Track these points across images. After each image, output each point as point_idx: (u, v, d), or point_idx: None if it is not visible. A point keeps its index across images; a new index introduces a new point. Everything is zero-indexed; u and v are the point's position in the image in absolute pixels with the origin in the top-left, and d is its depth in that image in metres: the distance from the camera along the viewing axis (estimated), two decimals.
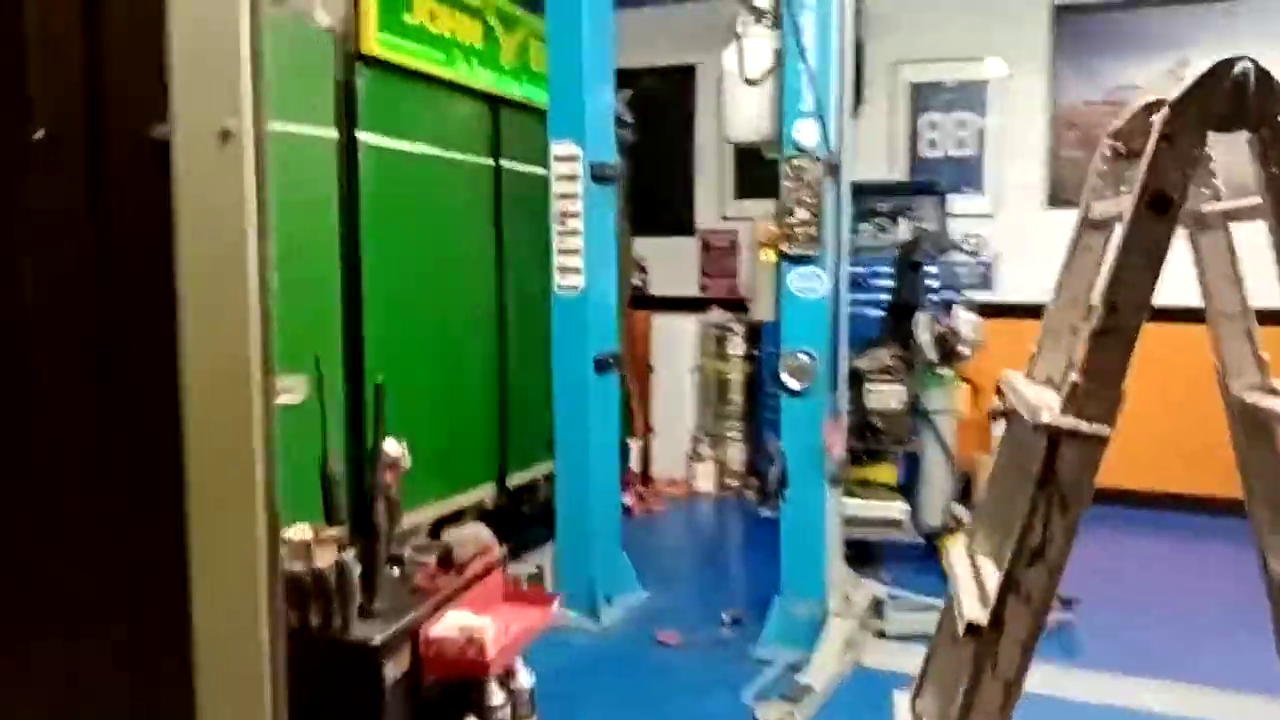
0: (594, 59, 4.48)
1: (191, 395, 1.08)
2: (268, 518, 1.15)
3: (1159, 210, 1.52)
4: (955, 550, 2.15)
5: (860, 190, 6.98)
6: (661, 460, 7.33)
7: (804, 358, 4.13)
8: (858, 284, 6.22)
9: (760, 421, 6.90)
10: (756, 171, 7.60)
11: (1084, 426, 1.50)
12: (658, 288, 7.95)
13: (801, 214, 4.07)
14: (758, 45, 4.20)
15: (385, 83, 4.23)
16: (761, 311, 4.51)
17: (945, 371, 5.34)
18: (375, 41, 4.09)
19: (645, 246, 7.84)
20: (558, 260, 4.53)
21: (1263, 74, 1.58)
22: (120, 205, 1.10)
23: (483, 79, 4.88)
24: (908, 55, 7.15)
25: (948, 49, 7.04)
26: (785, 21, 4.07)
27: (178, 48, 1.10)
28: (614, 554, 4.72)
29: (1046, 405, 1.60)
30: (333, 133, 4.00)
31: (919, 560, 5.22)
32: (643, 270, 7.91)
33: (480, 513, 5.13)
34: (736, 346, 7.31)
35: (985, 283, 6.84)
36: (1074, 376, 1.54)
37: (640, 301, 7.60)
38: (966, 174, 6.99)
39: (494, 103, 5.04)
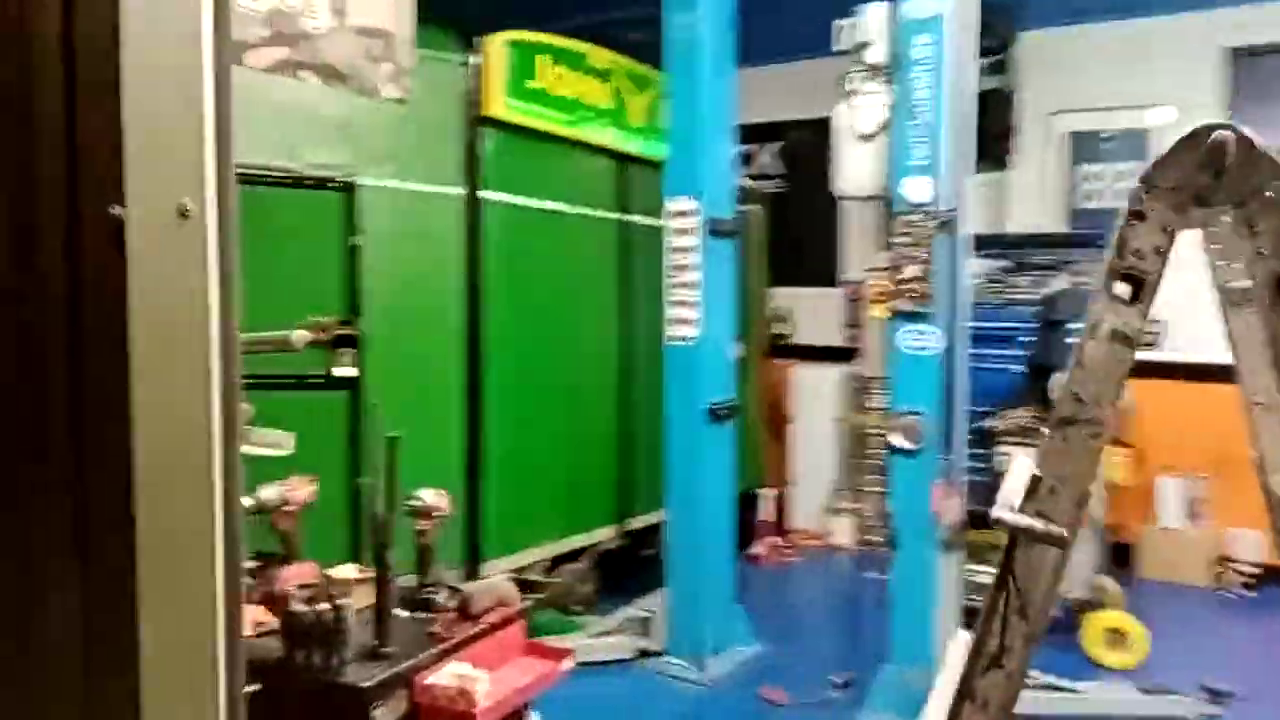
0: (712, 116, 4.58)
1: (146, 471, 1.08)
2: (226, 608, 1.15)
3: (1128, 296, 1.45)
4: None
5: (1013, 242, 6.81)
6: (800, 511, 7.24)
7: (913, 417, 4.02)
8: (1002, 339, 6.01)
9: None
10: None
11: (1038, 526, 1.42)
12: (802, 338, 7.90)
13: (912, 270, 4.00)
14: (870, 101, 4.18)
15: (509, 143, 4.49)
16: (871, 367, 4.44)
17: None
18: (500, 105, 4.36)
19: (790, 297, 7.83)
20: (671, 311, 4.62)
21: (1244, 141, 1.47)
22: (88, 289, 1.11)
23: (609, 138, 5.07)
24: (1065, 104, 6.87)
25: (1109, 96, 6.71)
26: (897, 77, 4.04)
27: (132, 125, 1.07)
28: (725, 605, 4.70)
29: (1009, 498, 1.54)
30: (458, 190, 4.27)
31: (1058, 635, 4.90)
32: (784, 320, 7.90)
33: (599, 554, 5.25)
34: (879, 399, 7.15)
35: (1153, 341, 6.40)
36: (1035, 470, 1.47)
37: (782, 351, 7.58)
38: None
39: (621, 159, 5.22)
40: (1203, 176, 1.51)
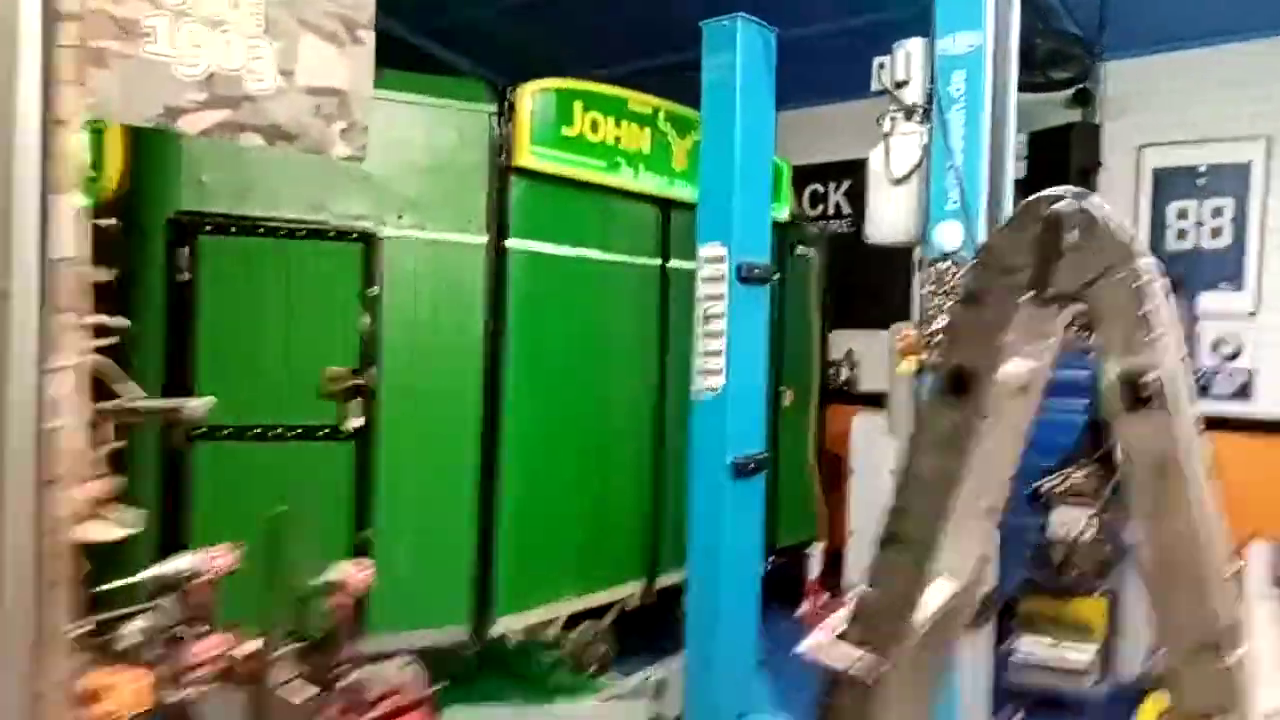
0: (745, 159, 4.43)
1: None
2: None
3: (957, 390, 1.25)
4: None
5: None
6: (857, 569, 6.91)
7: None
8: (1075, 388, 5.63)
9: None
10: None
11: (841, 665, 1.22)
12: (868, 383, 7.61)
13: (940, 323, 3.75)
14: (906, 142, 3.96)
15: (538, 191, 4.44)
16: (895, 426, 4.18)
17: None
18: (528, 154, 4.31)
19: (857, 340, 7.56)
20: (699, 361, 4.47)
21: (1086, 214, 1.25)
22: None
23: (651, 183, 4.97)
24: (1155, 136, 6.44)
25: (1201, 129, 6.26)
26: (934, 116, 3.82)
27: None
28: (746, 671, 4.48)
29: (834, 623, 1.34)
30: (481, 239, 4.24)
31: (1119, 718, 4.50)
32: (847, 364, 7.63)
33: (624, 610, 5.10)
34: None
35: (1242, 393, 5.91)
36: (861, 587, 1.28)
37: (845, 397, 7.31)
38: (1221, 268, 6.12)
39: (664, 205, 5.11)
40: (1040, 256, 1.33)
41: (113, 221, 3.84)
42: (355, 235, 3.93)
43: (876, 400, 7.41)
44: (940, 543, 1.40)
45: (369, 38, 2.38)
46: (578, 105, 4.55)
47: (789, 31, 5.93)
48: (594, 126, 4.64)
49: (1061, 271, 1.38)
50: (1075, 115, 6.60)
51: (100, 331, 2.20)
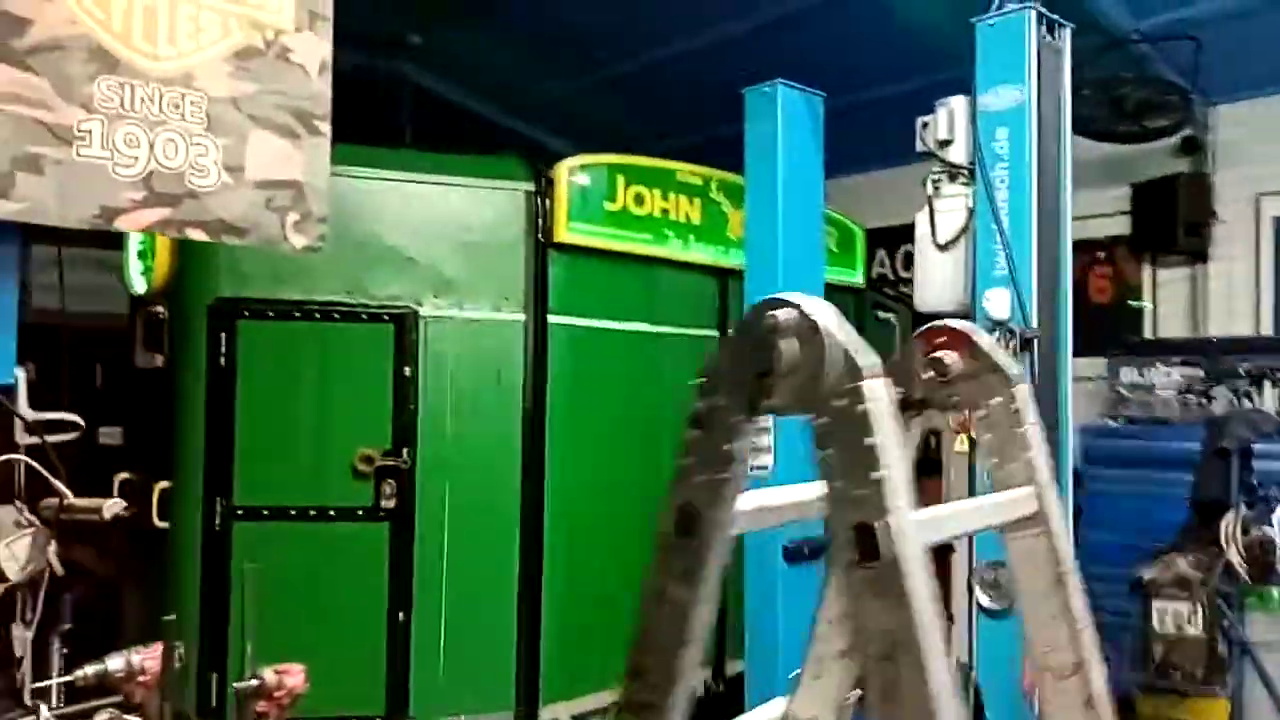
0: (793, 226, 4.27)
1: None
2: None
3: (684, 530, 1.08)
4: None
5: (1208, 347, 5.85)
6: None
7: (1000, 570, 3.43)
8: (1177, 462, 5.13)
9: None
10: (1087, 325, 6.73)
11: None
12: None
13: None
14: (952, 205, 3.73)
15: (580, 266, 4.39)
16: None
17: (1276, 592, 4.12)
18: (566, 230, 4.29)
19: None
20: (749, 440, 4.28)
21: (808, 324, 1.12)
22: None
23: (704, 254, 4.86)
24: (1271, 186, 5.89)
25: None
26: (978, 178, 3.59)
27: None
28: None
29: None
30: (520, 316, 4.22)
31: None
32: (935, 435, 7.20)
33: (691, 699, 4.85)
34: None
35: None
36: None
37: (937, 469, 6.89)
38: None
39: (720, 275, 4.99)
40: (756, 370, 1.18)
41: (160, 309, 4.02)
42: (387, 316, 3.97)
43: None
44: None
45: (326, 129, 2.39)
46: (620, 179, 4.51)
47: (868, 93, 5.82)
48: (639, 200, 4.58)
49: (779, 388, 1.21)
50: (1184, 165, 6.13)
51: (55, 427, 2.23)
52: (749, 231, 4.37)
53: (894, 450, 1.18)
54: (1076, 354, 6.74)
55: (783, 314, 1.19)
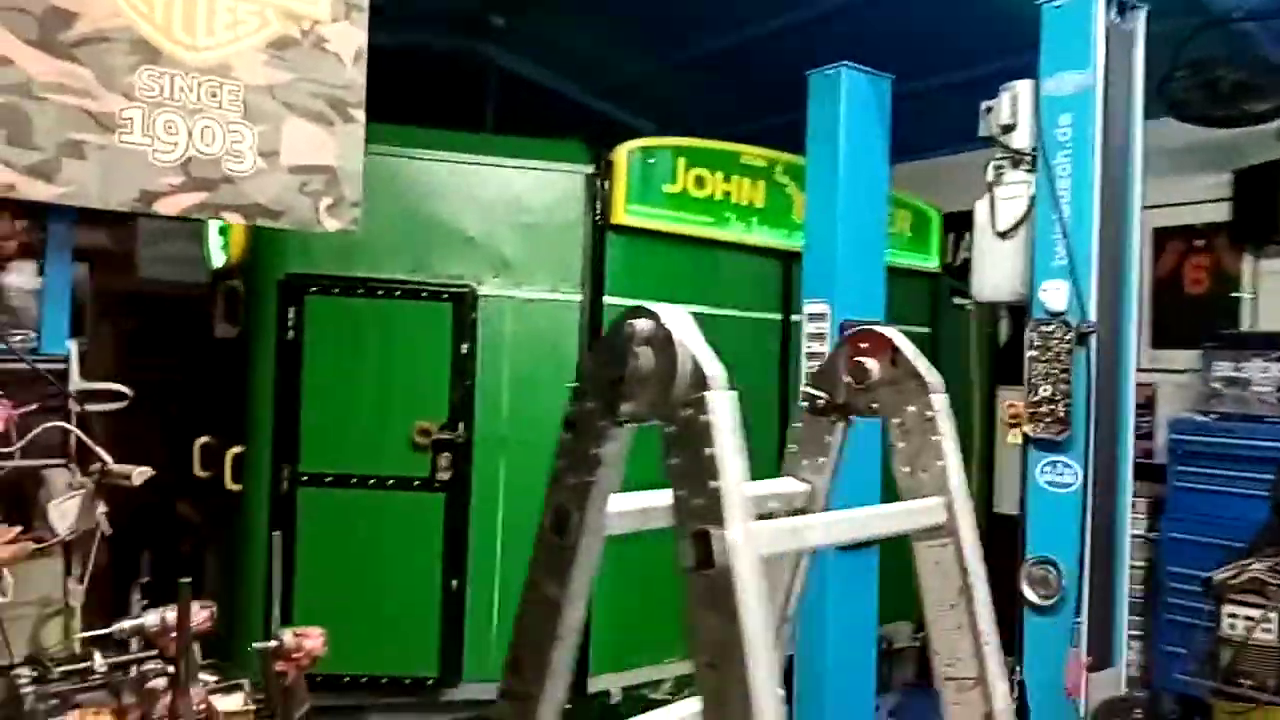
0: (853, 212, 4.21)
1: None
2: None
3: (558, 530, 1.10)
4: None
5: None
6: None
7: (1046, 566, 3.35)
8: (1262, 461, 4.89)
9: (1159, 623, 5.62)
10: (1181, 317, 6.42)
11: None
12: None
13: (1045, 390, 3.36)
14: (1014, 192, 3.61)
15: (639, 248, 4.43)
16: (1006, 503, 3.73)
17: None
18: (625, 213, 4.32)
19: None
20: None
21: (663, 335, 1.15)
22: None
23: (767, 237, 4.83)
24: None
25: None
26: (1040, 164, 3.47)
27: None
28: None
29: None
30: (578, 297, 4.28)
31: None
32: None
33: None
34: (1139, 524, 6.07)
35: None
36: None
37: None
38: None
39: (785, 258, 4.95)
40: (615, 375, 1.22)
41: (236, 283, 4.22)
42: (446, 295, 4.08)
43: None
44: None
45: (360, 115, 2.48)
46: (681, 161, 4.52)
47: (947, 76, 5.64)
48: (699, 182, 4.58)
49: (636, 395, 1.25)
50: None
51: (110, 396, 2.39)
52: (808, 214, 4.32)
53: (733, 461, 1.20)
54: (1168, 346, 6.50)
55: (640, 323, 1.22)
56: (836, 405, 1.61)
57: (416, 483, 4.05)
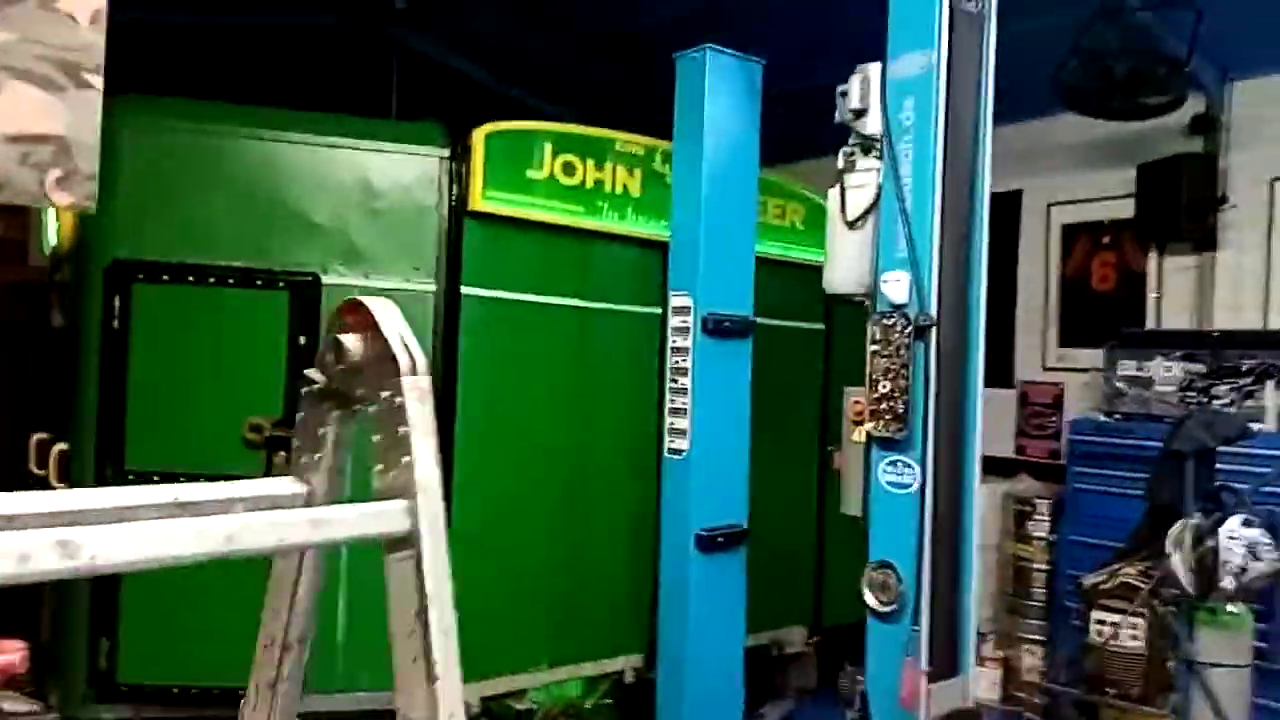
0: (719, 202, 4.05)
1: None
2: None
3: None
4: None
5: (1212, 341, 5.43)
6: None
7: (885, 570, 3.21)
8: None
9: (1058, 628, 5.52)
10: (1089, 314, 6.32)
11: None
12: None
13: (885, 386, 3.21)
14: (863, 180, 3.46)
15: (500, 238, 4.24)
16: (850, 505, 3.59)
17: (1229, 608, 3.78)
18: (483, 199, 4.14)
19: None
20: (667, 420, 4.11)
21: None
22: None
23: (641, 227, 4.66)
24: None
25: None
26: (885, 149, 3.32)
27: None
28: None
29: None
30: (431, 286, 4.09)
31: None
32: None
33: (617, 685, 4.73)
34: (1041, 525, 5.97)
35: None
36: None
37: None
38: None
39: (663, 249, 4.76)
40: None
41: (64, 271, 4.00)
42: (283, 283, 3.88)
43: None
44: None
45: (97, 81, 2.27)
46: (547, 147, 4.33)
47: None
48: (568, 169, 4.40)
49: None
50: (1197, 145, 5.68)
51: None
52: (674, 202, 4.17)
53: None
54: (1076, 344, 6.40)
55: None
56: (329, 391, 1.44)
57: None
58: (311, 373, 1.47)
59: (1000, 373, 6.75)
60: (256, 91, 4.44)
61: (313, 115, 4.11)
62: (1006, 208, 6.74)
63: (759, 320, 4.34)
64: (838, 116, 3.58)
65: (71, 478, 3.87)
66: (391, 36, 7.13)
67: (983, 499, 6.00)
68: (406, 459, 1.34)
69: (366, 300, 1.39)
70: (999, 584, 6.12)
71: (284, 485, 1.48)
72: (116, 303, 3.77)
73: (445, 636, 1.31)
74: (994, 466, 6.54)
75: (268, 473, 3.85)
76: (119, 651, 3.77)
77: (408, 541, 1.32)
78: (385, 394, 1.35)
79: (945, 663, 3.23)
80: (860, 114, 3.46)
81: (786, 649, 5.42)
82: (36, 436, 4.08)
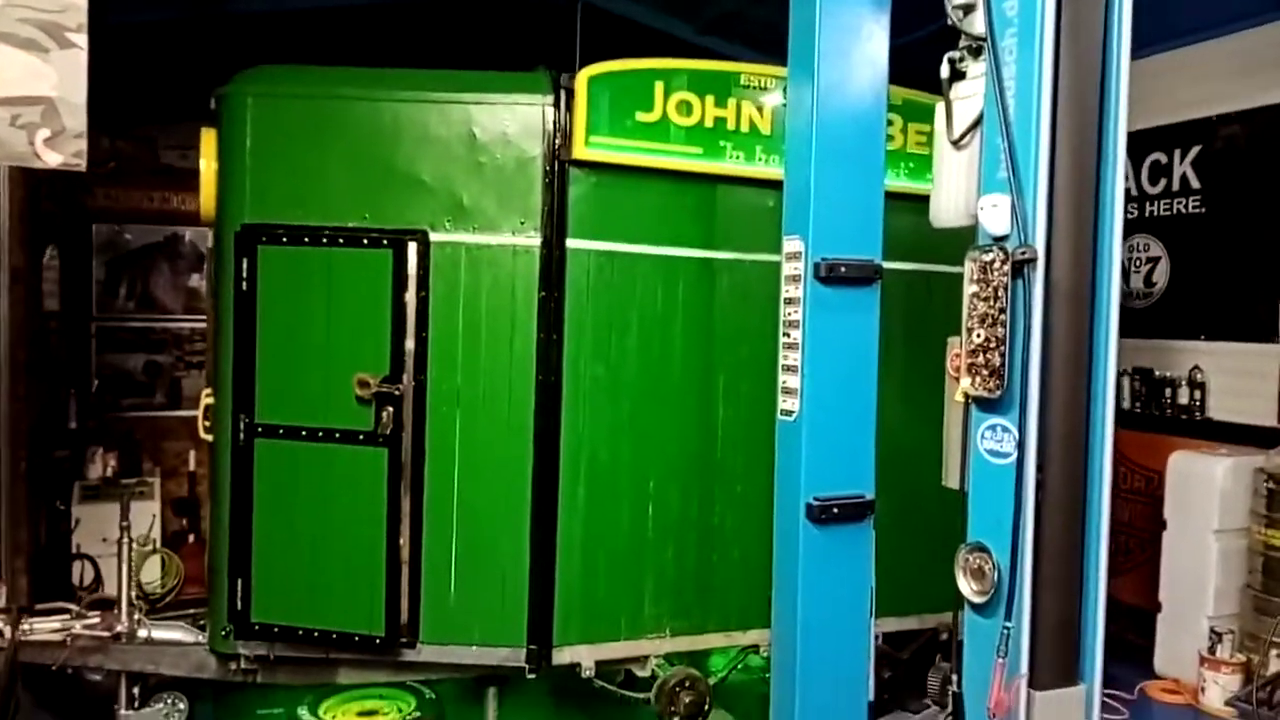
0: (835, 133, 3.60)
1: None
2: None
3: None
4: None
5: None
6: (1169, 652, 5.30)
7: (983, 555, 2.71)
8: None
9: None
10: None
11: None
12: (1221, 411, 5.81)
13: (978, 336, 2.68)
14: (970, 90, 2.91)
15: (608, 186, 4.05)
16: (950, 476, 2.99)
17: None
18: (586, 147, 3.96)
19: (1205, 354, 5.85)
20: (780, 378, 3.74)
21: None
22: None
23: (776, 166, 4.27)
24: None
25: None
26: (988, 63, 2.76)
27: None
28: None
29: None
30: (534, 241, 3.99)
31: None
32: (1189, 384, 5.93)
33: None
34: None
35: None
36: None
37: (1176, 426, 5.69)
38: None
39: None
40: None
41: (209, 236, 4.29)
42: (386, 241, 3.92)
43: (1229, 433, 5.63)
44: None
45: (82, 41, 2.33)
46: (659, 86, 4.06)
47: None
48: (684, 108, 4.10)
49: None
50: None
51: None
52: (787, 136, 3.75)
53: None
54: None
55: None
56: None
57: (360, 436, 3.95)
58: None
59: (1257, 325, 5.64)
60: (448, 61, 4.48)
61: (422, 73, 4.11)
62: (1266, 125, 5.57)
63: (896, 266, 3.84)
64: (948, 17, 3.03)
65: (215, 429, 4.16)
66: None
67: (1223, 475, 5.13)
68: None
69: None
70: (1243, 577, 5.14)
71: None
72: (244, 265, 3.97)
73: None
74: (1247, 435, 5.51)
75: (376, 427, 3.95)
76: (252, 592, 4.01)
77: None
78: None
79: (1057, 668, 2.68)
80: (969, 9, 2.90)
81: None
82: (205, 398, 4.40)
